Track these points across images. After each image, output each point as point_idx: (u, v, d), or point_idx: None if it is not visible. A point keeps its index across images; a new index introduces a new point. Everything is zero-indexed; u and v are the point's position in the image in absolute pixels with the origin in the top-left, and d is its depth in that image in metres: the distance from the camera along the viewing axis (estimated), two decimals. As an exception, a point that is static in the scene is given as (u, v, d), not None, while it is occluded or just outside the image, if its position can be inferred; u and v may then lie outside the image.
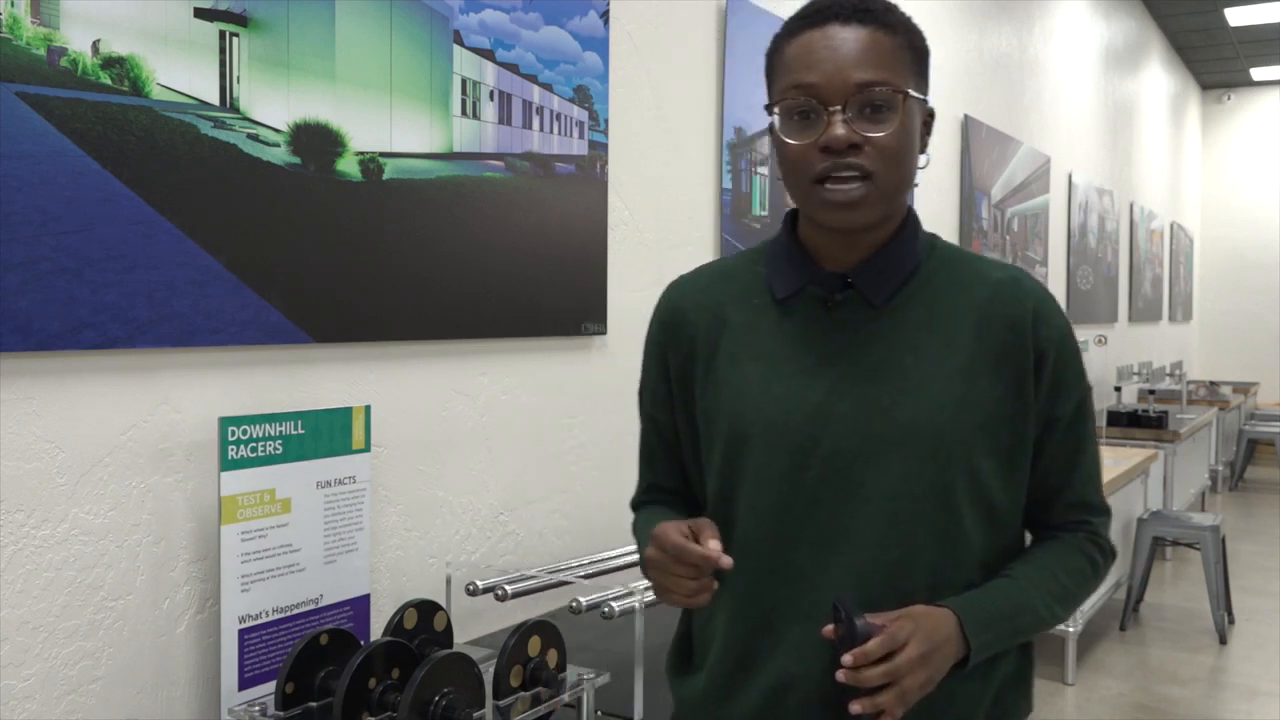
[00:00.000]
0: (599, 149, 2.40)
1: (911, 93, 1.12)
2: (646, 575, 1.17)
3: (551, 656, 1.64)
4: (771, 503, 1.16)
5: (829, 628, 1.09)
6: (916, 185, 1.19)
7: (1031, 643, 1.24)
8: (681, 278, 1.30)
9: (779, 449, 1.15)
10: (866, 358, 1.15)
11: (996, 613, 1.13)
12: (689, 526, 1.11)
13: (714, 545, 1.08)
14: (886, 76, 1.10)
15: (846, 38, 1.10)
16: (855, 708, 1.03)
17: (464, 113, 2.04)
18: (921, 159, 1.18)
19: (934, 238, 1.23)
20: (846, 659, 1.03)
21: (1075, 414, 1.19)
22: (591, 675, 1.65)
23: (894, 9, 1.15)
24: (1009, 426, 1.15)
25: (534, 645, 1.61)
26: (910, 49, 1.14)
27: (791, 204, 1.21)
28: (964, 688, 1.15)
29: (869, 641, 1.03)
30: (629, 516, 2.58)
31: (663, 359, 1.28)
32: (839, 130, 1.08)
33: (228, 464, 1.57)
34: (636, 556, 2.20)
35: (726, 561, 1.07)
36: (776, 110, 1.14)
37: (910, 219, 1.20)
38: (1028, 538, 1.26)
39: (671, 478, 1.32)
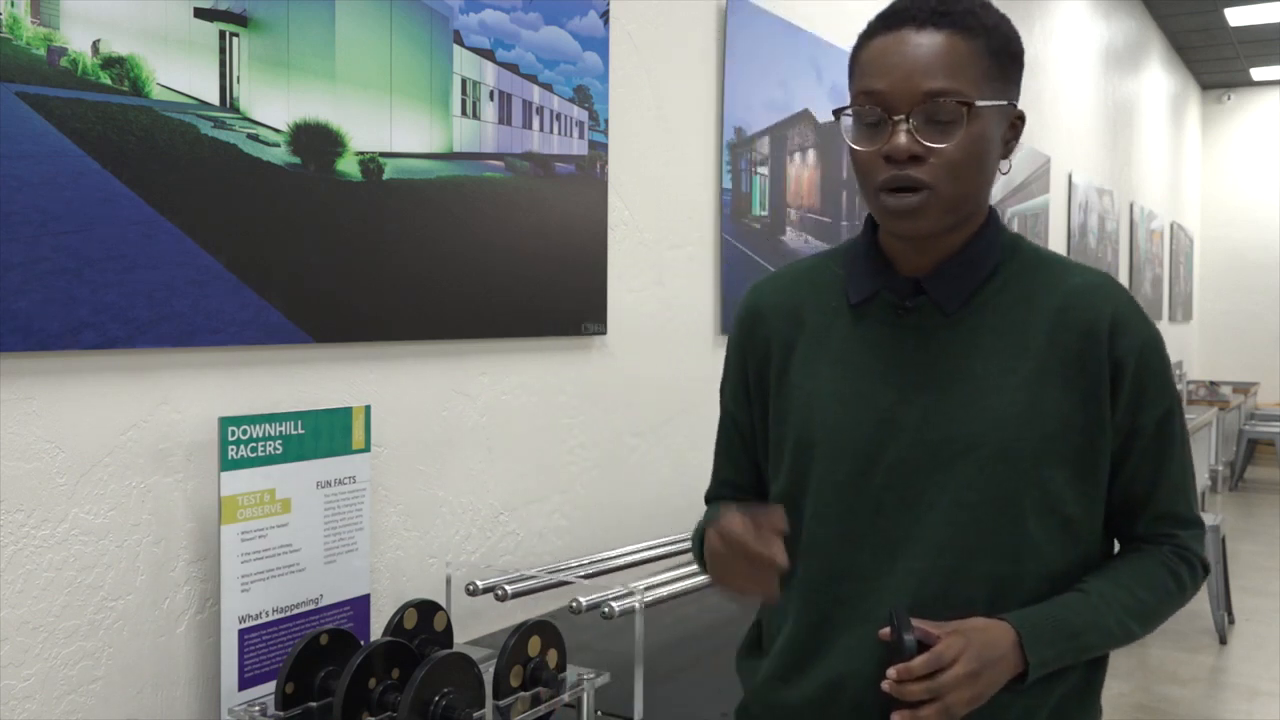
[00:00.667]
0: (599, 149, 2.40)
1: (980, 103, 1.07)
2: (705, 561, 1.15)
3: (551, 656, 1.64)
4: (836, 507, 1.16)
5: (884, 630, 1.10)
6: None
7: (1105, 654, 1.19)
8: (762, 279, 1.30)
9: (844, 455, 1.15)
10: (936, 365, 1.14)
11: (1061, 629, 1.09)
12: (753, 516, 1.08)
13: (776, 547, 1.04)
14: (957, 85, 1.06)
15: (920, 43, 1.07)
16: (896, 718, 1.03)
17: (464, 113, 2.04)
18: (1004, 164, 1.14)
19: (1018, 239, 1.20)
20: (891, 672, 1.03)
21: (1160, 425, 1.15)
22: (591, 675, 1.65)
23: (978, 10, 1.10)
24: (1081, 437, 1.12)
25: (534, 645, 1.61)
26: (990, 54, 1.09)
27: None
28: (1019, 699, 1.12)
29: (915, 659, 1.03)
30: (629, 516, 2.58)
31: (742, 361, 1.29)
32: (900, 140, 1.07)
33: (228, 464, 1.57)
34: (637, 556, 2.20)
35: (781, 559, 1.03)
36: (847, 115, 1.12)
37: (990, 221, 1.17)
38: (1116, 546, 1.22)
39: (745, 473, 1.33)
